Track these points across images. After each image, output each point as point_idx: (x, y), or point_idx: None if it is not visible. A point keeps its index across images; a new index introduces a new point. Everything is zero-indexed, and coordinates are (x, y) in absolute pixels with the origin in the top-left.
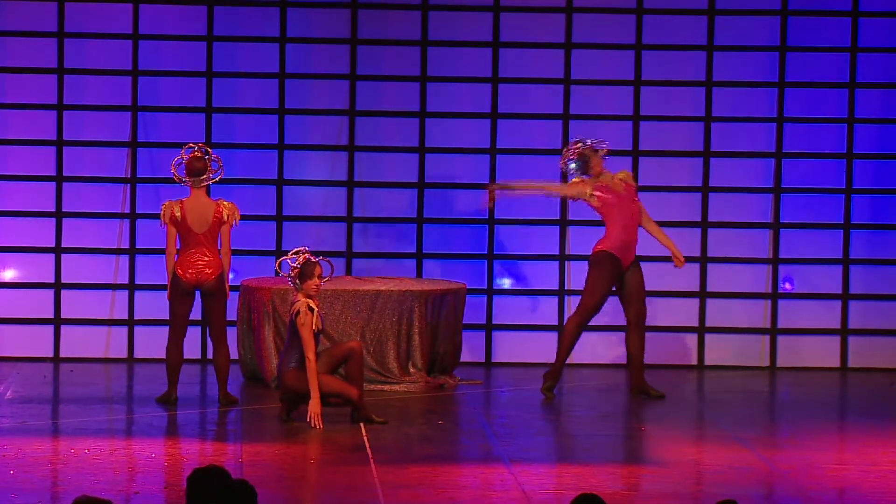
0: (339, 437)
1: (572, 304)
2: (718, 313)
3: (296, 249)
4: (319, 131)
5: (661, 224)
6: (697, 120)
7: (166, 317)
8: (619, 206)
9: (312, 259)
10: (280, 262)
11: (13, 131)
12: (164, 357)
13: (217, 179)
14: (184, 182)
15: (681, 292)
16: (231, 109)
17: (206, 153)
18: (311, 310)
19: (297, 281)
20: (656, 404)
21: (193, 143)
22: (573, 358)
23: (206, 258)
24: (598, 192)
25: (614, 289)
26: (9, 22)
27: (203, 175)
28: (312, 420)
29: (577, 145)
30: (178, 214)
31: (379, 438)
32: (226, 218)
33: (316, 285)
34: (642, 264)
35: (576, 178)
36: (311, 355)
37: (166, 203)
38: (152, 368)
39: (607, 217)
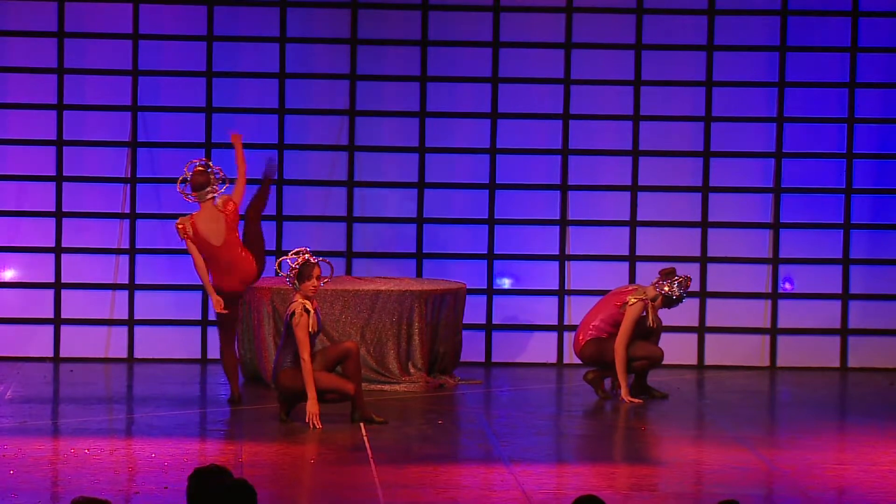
0: (339, 437)
1: (573, 303)
2: (718, 313)
3: (296, 250)
4: (319, 131)
5: (662, 224)
6: (697, 120)
7: (165, 316)
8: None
9: (312, 260)
10: (280, 261)
11: (13, 131)
12: (163, 357)
13: (222, 191)
14: (190, 198)
15: None
16: (231, 109)
17: (208, 167)
18: (307, 311)
19: (296, 281)
20: (657, 404)
21: (196, 160)
22: (573, 358)
23: (232, 268)
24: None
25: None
26: (9, 22)
27: (207, 188)
28: (311, 421)
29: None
30: (189, 231)
31: (379, 438)
32: (232, 208)
33: (314, 286)
34: (640, 265)
35: (640, 303)
36: (305, 356)
37: (179, 220)
38: (152, 368)
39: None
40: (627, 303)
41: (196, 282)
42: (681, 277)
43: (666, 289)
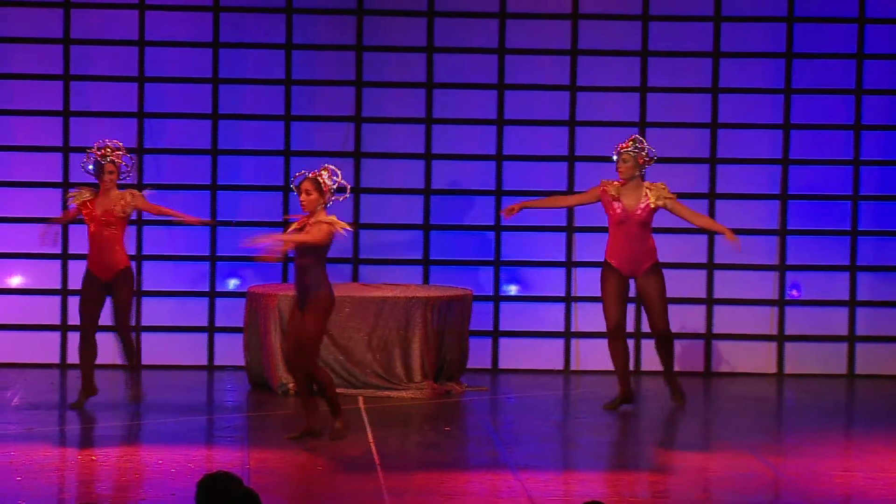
0: (346, 444)
1: (579, 310)
2: (726, 320)
3: (324, 166)
4: (325, 138)
5: (668, 230)
6: (704, 126)
7: (171, 323)
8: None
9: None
10: (322, 182)
11: (20, 138)
12: (170, 364)
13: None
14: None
15: (688, 299)
16: (237, 116)
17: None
18: (345, 230)
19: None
20: (662, 411)
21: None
22: (579, 365)
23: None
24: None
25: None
26: (15, 28)
27: (102, 175)
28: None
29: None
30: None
31: (385, 445)
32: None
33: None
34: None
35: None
36: (306, 239)
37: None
38: (158, 375)
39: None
40: (656, 209)
41: (202, 288)
42: (630, 140)
43: (643, 156)
